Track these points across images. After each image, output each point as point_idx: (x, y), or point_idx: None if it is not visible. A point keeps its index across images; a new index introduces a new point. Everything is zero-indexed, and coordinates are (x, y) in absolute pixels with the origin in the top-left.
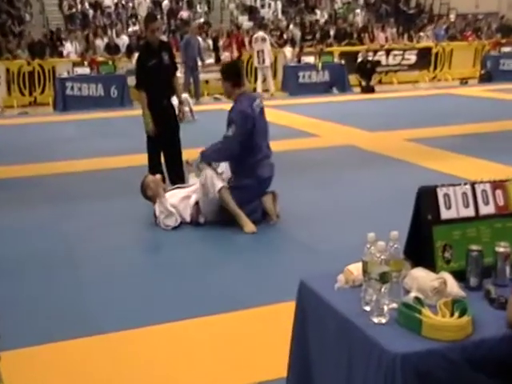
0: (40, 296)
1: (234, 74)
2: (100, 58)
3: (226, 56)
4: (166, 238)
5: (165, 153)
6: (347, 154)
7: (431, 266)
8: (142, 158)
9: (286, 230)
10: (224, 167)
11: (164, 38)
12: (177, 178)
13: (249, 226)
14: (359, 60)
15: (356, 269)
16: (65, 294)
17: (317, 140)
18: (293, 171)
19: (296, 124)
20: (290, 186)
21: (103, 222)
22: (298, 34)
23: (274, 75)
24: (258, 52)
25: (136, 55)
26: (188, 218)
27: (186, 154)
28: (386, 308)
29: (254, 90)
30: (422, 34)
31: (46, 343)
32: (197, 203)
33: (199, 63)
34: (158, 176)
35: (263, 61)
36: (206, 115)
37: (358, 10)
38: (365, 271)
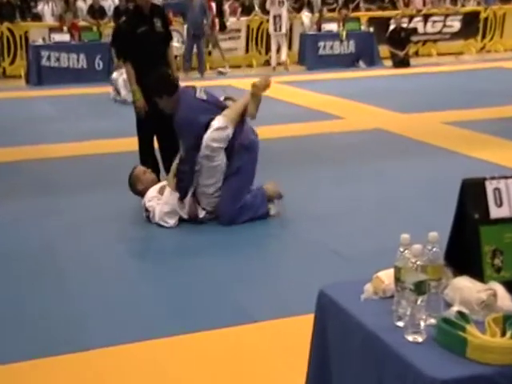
0: (16, 307)
1: (165, 85)
2: (82, 23)
3: (232, 22)
4: (162, 236)
5: (158, 137)
6: (375, 139)
7: (478, 275)
8: (135, 142)
9: (302, 231)
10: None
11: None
12: (156, 167)
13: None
14: (391, 28)
15: (387, 276)
16: (46, 304)
17: (339, 123)
18: (311, 160)
19: (314, 104)
20: (307, 178)
21: (89, 217)
22: None
23: (290, 46)
24: (274, 17)
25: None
26: (185, 215)
27: None
28: (422, 324)
29: (267, 62)
30: None
31: (27, 360)
32: (194, 195)
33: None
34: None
35: (280, 27)
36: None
37: None
38: (397, 279)
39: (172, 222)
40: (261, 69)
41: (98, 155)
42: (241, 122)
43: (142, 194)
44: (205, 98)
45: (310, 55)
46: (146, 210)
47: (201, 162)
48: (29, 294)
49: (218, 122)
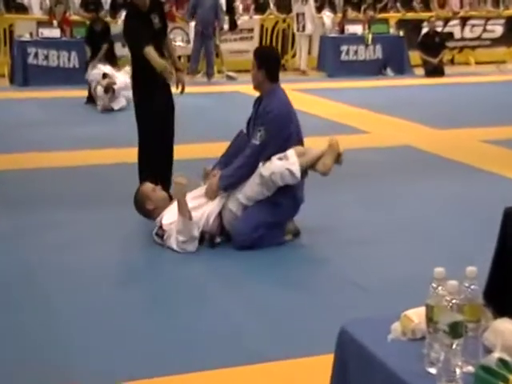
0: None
1: (272, 63)
2: (74, 17)
3: (243, 21)
4: (164, 260)
5: (157, 144)
6: (404, 157)
7: None
8: (132, 153)
9: (321, 258)
10: None
11: None
12: (163, 181)
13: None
14: (424, 31)
15: (417, 315)
16: (28, 343)
17: (363, 138)
18: (332, 180)
19: (335, 115)
20: (328, 199)
21: (78, 239)
22: None
23: (309, 48)
24: (297, 15)
25: (123, 14)
26: (197, 233)
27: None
28: (458, 371)
29: (282, 67)
30: None
31: None
32: (219, 215)
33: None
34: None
35: (303, 27)
36: (216, 99)
37: None
38: (430, 319)
39: (192, 248)
40: None
41: (93, 166)
42: (305, 172)
43: (151, 214)
44: (294, 111)
45: (330, 60)
46: (161, 228)
47: (258, 173)
48: (10, 327)
49: (295, 166)
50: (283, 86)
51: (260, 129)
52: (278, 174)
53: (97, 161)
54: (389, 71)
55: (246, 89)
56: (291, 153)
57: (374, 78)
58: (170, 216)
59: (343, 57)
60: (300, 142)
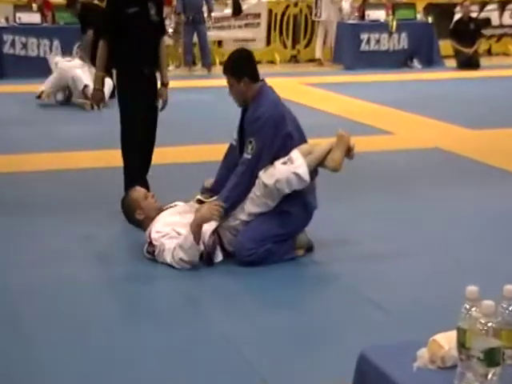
0: None
1: (249, 64)
2: (57, 0)
3: (249, 5)
4: (159, 277)
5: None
6: (433, 161)
7: None
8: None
9: (338, 276)
10: None
11: None
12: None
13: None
14: (457, 17)
15: (447, 341)
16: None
17: (387, 139)
18: (351, 187)
19: (354, 113)
20: (345, 208)
21: (59, 251)
22: None
23: (324, 37)
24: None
25: None
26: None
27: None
28: None
29: (294, 59)
30: None
31: None
32: (214, 231)
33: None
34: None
35: (320, 13)
36: (217, 94)
37: None
38: (462, 345)
39: (195, 258)
40: (286, 66)
41: (80, 170)
42: (314, 171)
43: (140, 224)
44: (287, 109)
45: (349, 51)
46: (151, 244)
47: (259, 184)
48: None
49: (302, 168)
50: (294, 80)
51: (250, 140)
52: (283, 181)
53: (82, 164)
54: (416, 63)
55: None
56: (296, 154)
57: (399, 71)
58: (159, 227)
59: (363, 47)
60: (303, 141)
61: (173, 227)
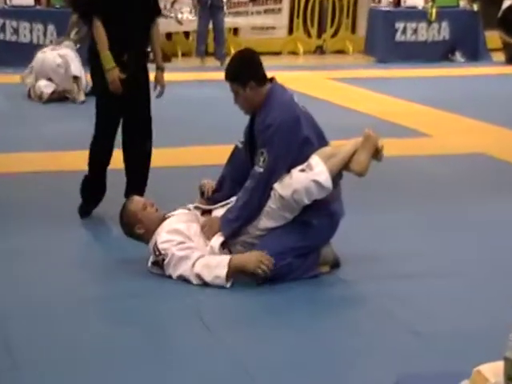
0: None
1: (253, 67)
2: None
3: None
4: (159, 294)
5: (126, 145)
6: (478, 168)
7: None
8: (117, 156)
9: (368, 297)
10: None
11: None
12: (136, 187)
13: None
14: (506, 4)
15: (493, 372)
16: None
17: (425, 143)
18: (384, 196)
19: (388, 113)
20: (378, 221)
21: (53, 265)
22: None
23: (353, 26)
24: None
25: None
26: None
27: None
28: None
29: (319, 49)
30: None
31: None
32: (224, 244)
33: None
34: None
35: None
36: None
37: None
38: (509, 378)
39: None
40: (310, 58)
41: (71, 172)
42: (338, 175)
43: (142, 238)
44: (303, 110)
45: (382, 41)
46: (157, 255)
47: (275, 196)
48: None
49: (323, 175)
50: (320, 74)
51: (262, 151)
52: (302, 191)
53: (73, 166)
54: (458, 56)
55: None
56: (315, 160)
57: (439, 66)
58: (165, 236)
59: (398, 37)
60: (324, 144)
61: (183, 236)
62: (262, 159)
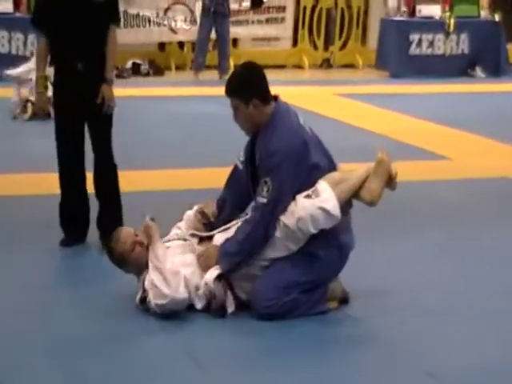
0: None
1: (258, 83)
2: None
3: None
4: (151, 337)
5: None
6: (502, 194)
7: None
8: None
9: (377, 335)
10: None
11: None
12: (107, 215)
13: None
14: None
15: None
16: None
17: (443, 166)
18: (395, 223)
19: (402, 133)
20: (389, 251)
21: (33, 299)
22: None
23: (363, 37)
24: None
25: None
26: (200, 302)
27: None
28: None
29: (327, 62)
30: None
31: None
32: (220, 277)
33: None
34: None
35: None
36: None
37: None
38: None
39: (200, 305)
40: (317, 72)
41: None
42: (348, 203)
43: (135, 270)
44: (310, 134)
45: (395, 54)
46: (144, 291)
47: (278, 225)
48: None
49: (330, 202)
50: (327, 89)
51: (266, 180)
52: (307, 219)
53: (13, 190)
54: (479, 71)
55: (273, 91)
56: (323, 185)
57: (458, 81)
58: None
59: (413, 50)
60: (332, 169)
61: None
62: (265, 189)
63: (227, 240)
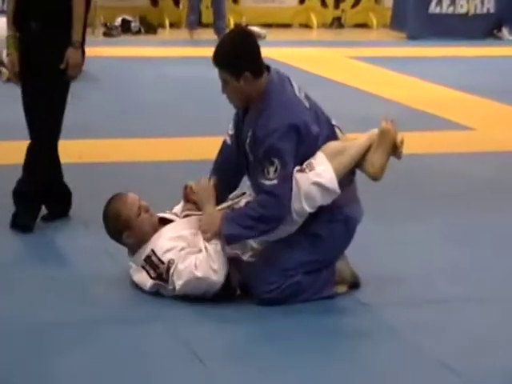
0: None
1: (250, 54)
2: None
3: None
4: (149, 324)
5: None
6: None
7: None
8: (95, 145)
9: (394, 326)
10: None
11: None
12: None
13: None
14: None
15: None
16: None
17: (464, 137)
18: (414, 201)
19: (420, 100)
20: (403, 231)
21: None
22: None
23: None
24: None
25: None
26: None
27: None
28: None
29: (337, 21)
30: None
31: None
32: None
33: None
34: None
35: None
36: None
37: None
38: None
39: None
40: (326, 32)
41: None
42: (351, 173)
43: (128, 246)
44: (307, 105)
45: (413, 13)
46: (161, 263)
47: None
48: None
49: (325, 175)
50: (338, 51)
51: (273, 160)
52: (301, 198)
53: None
54: (506, 33)
55: (278, 53)
56: (319, 157)
57: (483, 44)
58: (167, 244)
59: (433, 8)
60: (332, 137)
61: (187, 242)
62: (272, 170)
63: (234, 211)
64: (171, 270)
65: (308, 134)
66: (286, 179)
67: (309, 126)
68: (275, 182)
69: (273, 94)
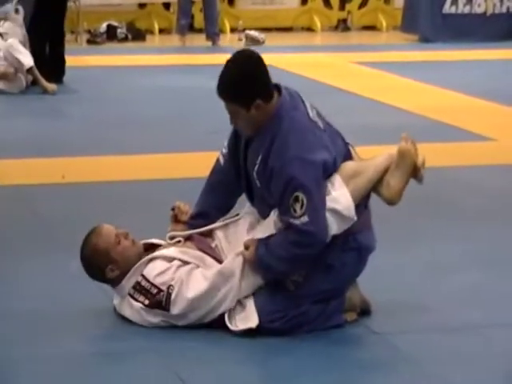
0: None
1: (260, 80)
2: None
3: None
4: (139, 357)
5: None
6: None
7: None
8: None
9: (407, 355)
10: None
11: None
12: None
13: None
14: None
15: None
16: None
17: (485, 149)
18: (426, 221)
19: (435, 109)
20: (419, 255)
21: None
22: None
23: None
24: None
25: None
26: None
27: None
28: None
29: (342, 23)
30: None
31: None
32: None
33: None
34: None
35: None
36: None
37: None
38: None
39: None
40: (331, 36)
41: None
42: (366, 197)
43: (114, 282)
44: (321, 125)
45: (426, 15)
46: (156, 291)
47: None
48: None
49: (342, 200)
50: (343, 56)
51: (297, 195)
52: None
53: (19, 178)
54: None
55: (278, 59)
56: (336, 180)
57: (502, 46)
58: (160, 265)
59: (447, 8)
60: (349, 157)
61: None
62: (298, 206)
63: (269, 244)
64: (172, 296)
65: (329, 169)
66: (318, 208)
67: (324, 140)
68: (306, 218)
69: (285, 118)
